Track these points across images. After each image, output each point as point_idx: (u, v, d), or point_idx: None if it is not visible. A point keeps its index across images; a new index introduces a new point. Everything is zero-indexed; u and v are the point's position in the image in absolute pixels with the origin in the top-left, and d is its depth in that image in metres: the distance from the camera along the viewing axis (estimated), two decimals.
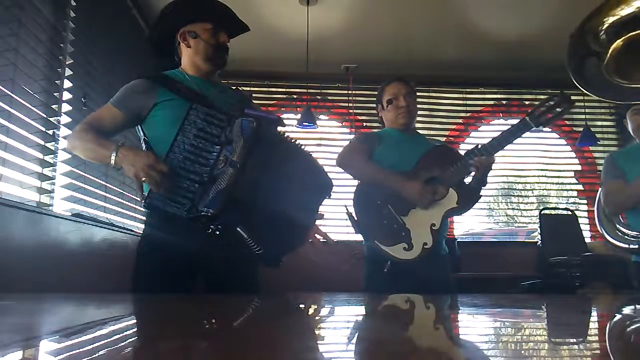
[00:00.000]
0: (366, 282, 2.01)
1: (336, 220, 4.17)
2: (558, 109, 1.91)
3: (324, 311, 1.16)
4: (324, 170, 1.61)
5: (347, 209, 1.97)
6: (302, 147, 1.57)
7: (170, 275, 1.46)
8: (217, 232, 1.36)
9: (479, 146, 1.94)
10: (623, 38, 1.85)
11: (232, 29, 1.69)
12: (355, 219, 1.97)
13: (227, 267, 1.52)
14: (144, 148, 1.55)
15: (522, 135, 1.97)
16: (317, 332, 0.77)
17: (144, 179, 1.35)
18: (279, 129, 1.54)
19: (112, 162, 1.40)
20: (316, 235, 1.61)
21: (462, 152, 2.00)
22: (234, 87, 1.79)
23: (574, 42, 1.95)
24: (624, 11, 1.80)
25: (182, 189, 1.36)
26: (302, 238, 1.56)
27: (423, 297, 1.49)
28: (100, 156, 1.46)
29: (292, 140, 1.55)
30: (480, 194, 1.99)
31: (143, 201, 1.39)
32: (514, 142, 1.96)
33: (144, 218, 1.63)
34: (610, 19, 1.82)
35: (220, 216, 1.35)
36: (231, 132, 1.39)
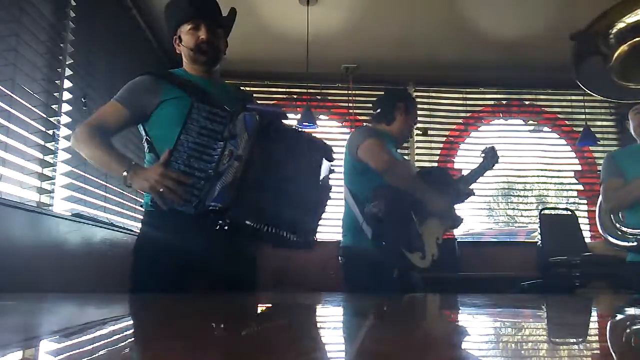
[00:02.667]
0: (371, 284, 2.02)
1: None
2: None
3: (324, 311, 1.16)
4: (321, 142, 1.58)
5: (372, 209, 1.99)
6: (301, 132, 1.58)
7: (169, 275, 1.46)
8: (226, 227, 1.35)
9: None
10: (629, 42, 1.85)
11: (213, 19, 1.62)
12: (378, 220, 2.01)
13: (225, 266, 1.52)
14: (146, 148, 1.55)
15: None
16: (317, 331, 0.77)
17: (161, 190, 1.36)
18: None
19: (123, 177, 1.43)
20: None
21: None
22: (235, 87, 1.79)
23: (580, 41, 1.95)
24: (634, 16, 1.80)
25: (188, 187, 1.36)
26: (318, 212, 1.52)
27: (425, 298, 1.49)
28: (110, 168, 1.50)
29: (294, 128, 1.55)
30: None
31: (150, 200, 1.40)
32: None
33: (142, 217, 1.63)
34: (619, 23, 1.82)
35: (229, 210, 1.34)
36: (234, 126, 1.39)
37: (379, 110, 2.26)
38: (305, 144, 1.53)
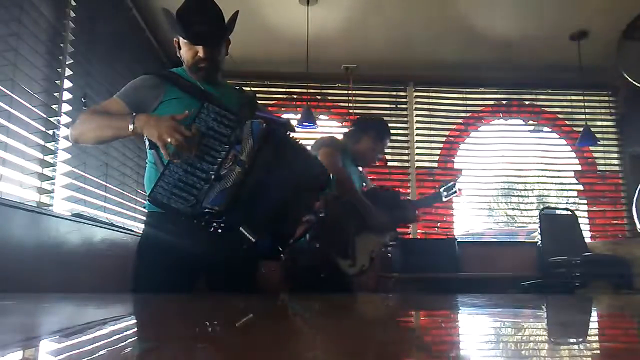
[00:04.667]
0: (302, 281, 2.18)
1: None
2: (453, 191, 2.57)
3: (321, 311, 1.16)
4: (322, 165, 1.63)
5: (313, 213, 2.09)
6: (304, 147, 1.60)
7: (170, 275, 1.46)
8: (220, 230, 1.36)
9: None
10: None
11: (211, 42, 1.58)
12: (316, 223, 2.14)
13: (227, 267, 1.52)
14: (147, 144, 1.55)
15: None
16: (314, 330, 0.77)
17: (169, 140, 1.34)
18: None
19: (131, 129, 1.40)
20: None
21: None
22: (238, 87, 1.78)
23: (628, 30, 1.92)
24: None
25: (187, 185, 1.36)
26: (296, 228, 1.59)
27: (418, 300, 1.49)
28: (115, 129, 1.45)
29: (298, 142, 1.56)
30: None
31: (147, 196, 1.39)
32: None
33: (144, 218, 1.63)
34: None
35: (225, 214, 1.34)
36: (241, 132, 1.40)
37: (352, 128, 2.52)
38: (306, 162, 1.56)
